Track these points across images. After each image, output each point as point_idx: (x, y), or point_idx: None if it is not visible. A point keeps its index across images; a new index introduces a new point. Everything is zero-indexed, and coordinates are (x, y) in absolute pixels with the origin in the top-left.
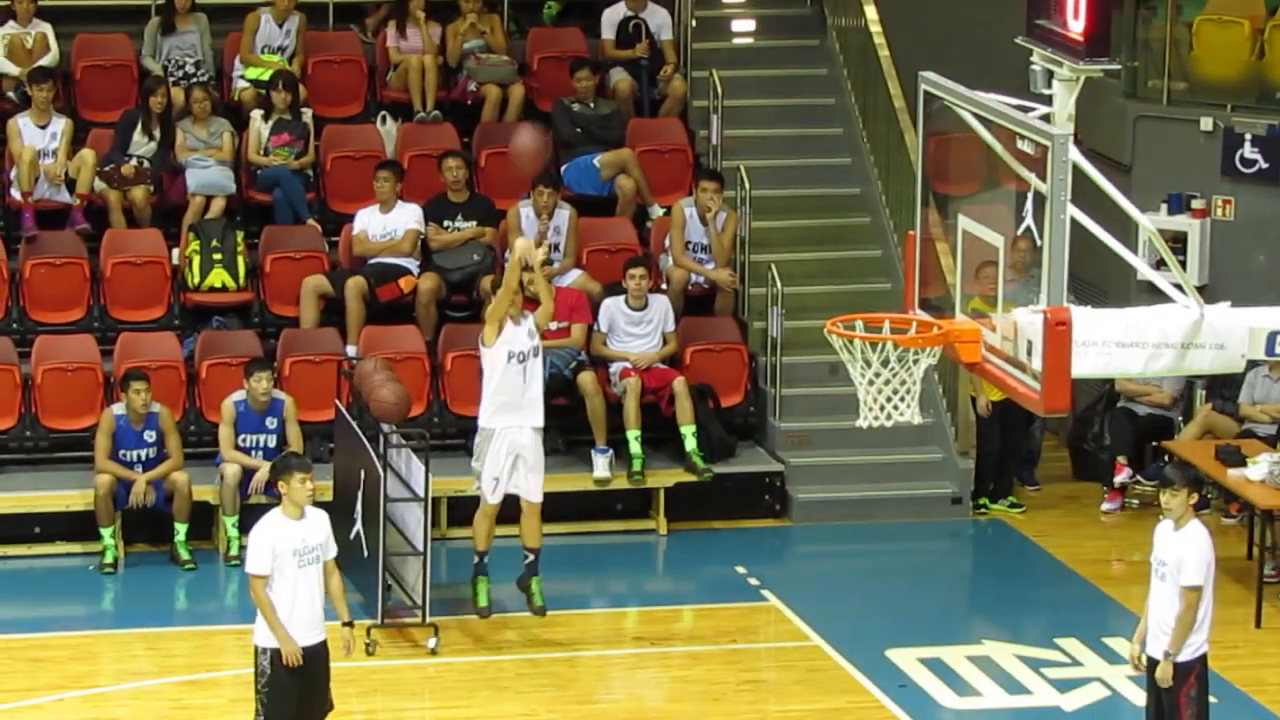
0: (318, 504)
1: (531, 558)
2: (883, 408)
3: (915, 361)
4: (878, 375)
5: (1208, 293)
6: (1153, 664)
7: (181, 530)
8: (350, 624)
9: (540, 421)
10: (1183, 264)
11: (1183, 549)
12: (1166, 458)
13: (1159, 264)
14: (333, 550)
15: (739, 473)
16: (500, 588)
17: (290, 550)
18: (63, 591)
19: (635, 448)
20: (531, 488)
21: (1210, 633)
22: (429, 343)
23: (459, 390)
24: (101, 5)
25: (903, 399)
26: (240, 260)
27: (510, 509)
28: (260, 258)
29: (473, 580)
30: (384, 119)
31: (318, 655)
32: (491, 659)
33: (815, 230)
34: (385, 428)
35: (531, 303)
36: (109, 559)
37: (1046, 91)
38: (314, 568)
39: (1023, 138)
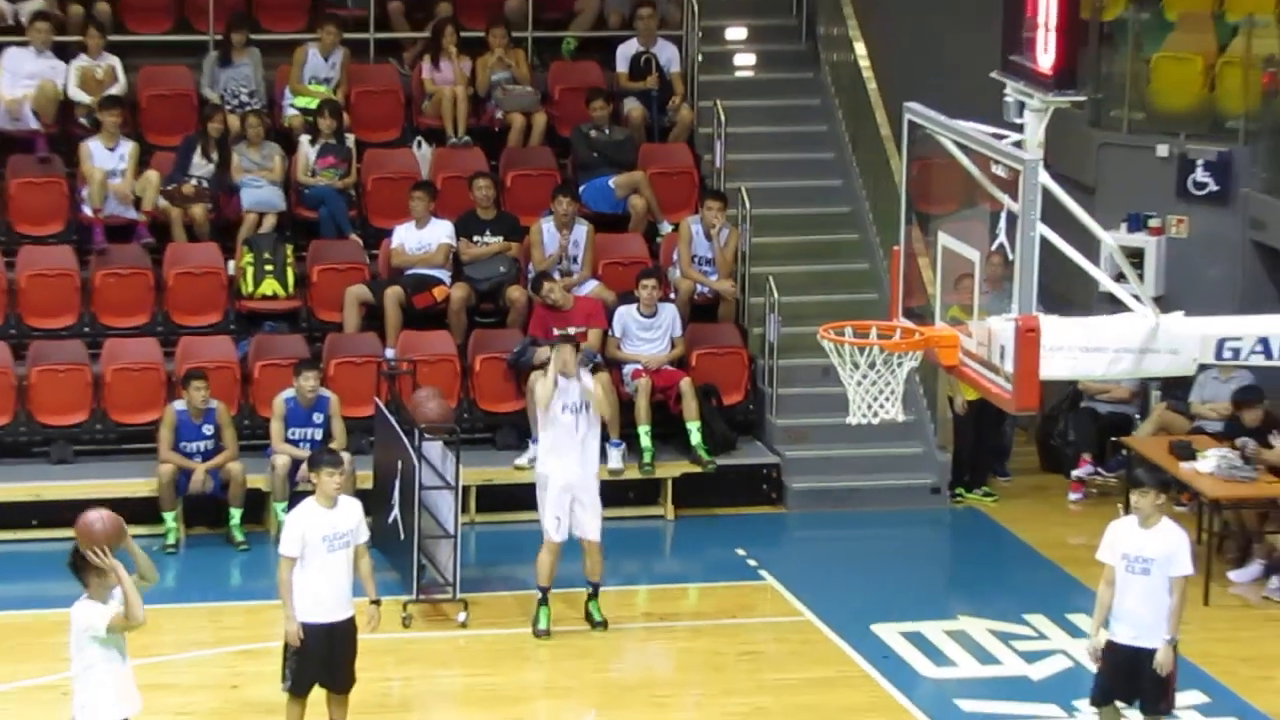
0: (358, 492)
1: (593, 590)
2: (869, 406)
3: (899, 364)
4: (865, 377)
5: (1163, 303)
6: (1131, 651)
7: (236, 515)
8: (377, 602)
9: (594, 467)
10: (1141, 277)
11: (1169, 544)
12: (1124, 452)
13: (1119, 277)
14: (364, 535)
15: (739, 464)
16: (526, 568)
17: (320, 536)
18: (129, 569)
19: (646, 441)
20: (591, 528)
21: None
22: (460, 346)
23: (486, 389)
24: (165, 40)
25: (888, 399)
26: (289, 271)
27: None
28: (308, 269)
29: (536, 607)
30: (419, 143)
31: (344, 631)
32: (515, 632)
33: (809, 245)
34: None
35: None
36: (171, 540)
37: (1019, 120)
38: (344, 552)
39: (997, 162)
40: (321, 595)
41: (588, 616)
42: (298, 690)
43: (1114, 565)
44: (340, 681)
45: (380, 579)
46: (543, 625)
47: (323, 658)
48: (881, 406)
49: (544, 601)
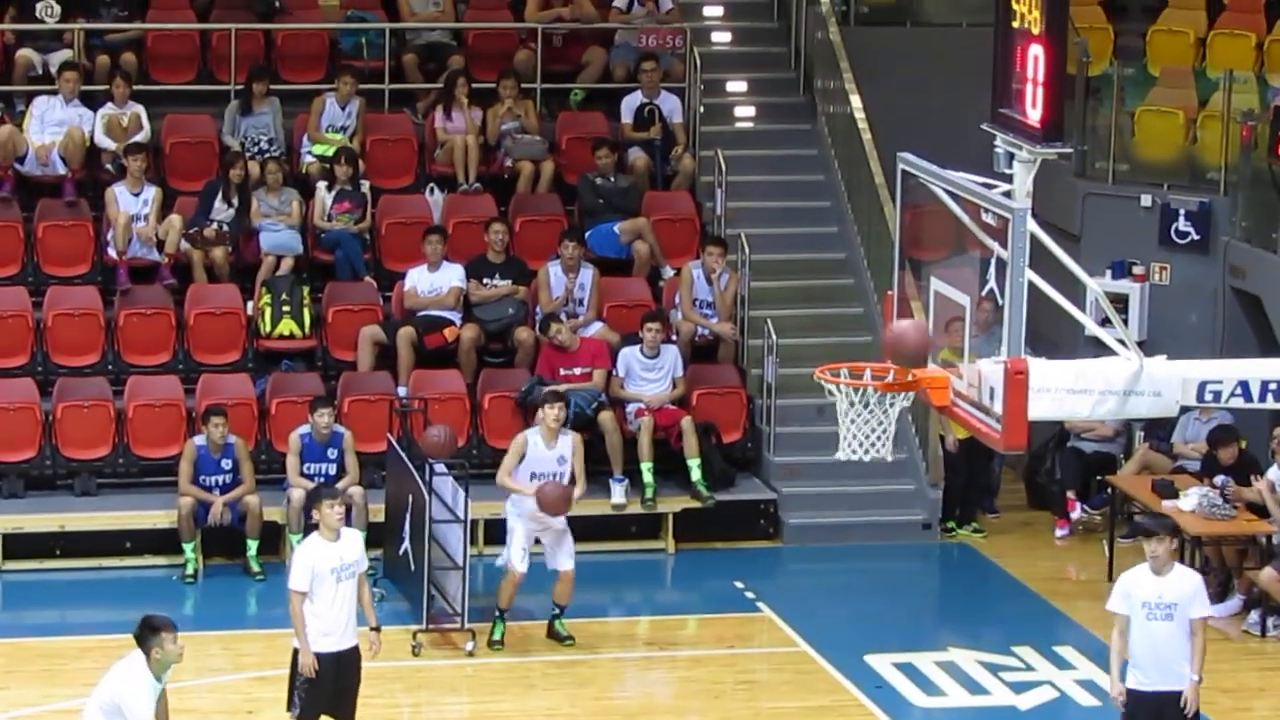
0: (370, 525)
1: (559, 610)
2: (861, 444)
3: (892, 404)
4: (859, 415)
5: (1146, 347)
6: (1155, 697)
7: (253, 546)
8: (377, 629)
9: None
10: (1125, 322)
11: (1188, 587)
12: (1109, 490)
13: (1104, 321)
14: (364, 565)
15: (738, 500)
16: (530, 598)
17: (329, 568)
18: (150, 598)
19: (648, 477)
20: (563, 557)
21: None
22: (469, 385)
23: (495, 426)
24: (188, 90)
25: (879, 438)
26: (306, 311)
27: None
28: (324, 309)
29: (493, 621)
30: (432, 190)
31: (350, 659)
32: (521, 660)
33: (806, 290)
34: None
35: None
36: (190, 570)
37: (1008, 171)
38: (350, 582)
39: (987, 210)
40: (331, 625)
41: (553, 633)
42: (307, 718)
43: (1127, 615)
44: (347, 709)
45: (391, 608)
46: (497, 636)
47: (331, 686)
48: (874, 445)
49: (500, 618)
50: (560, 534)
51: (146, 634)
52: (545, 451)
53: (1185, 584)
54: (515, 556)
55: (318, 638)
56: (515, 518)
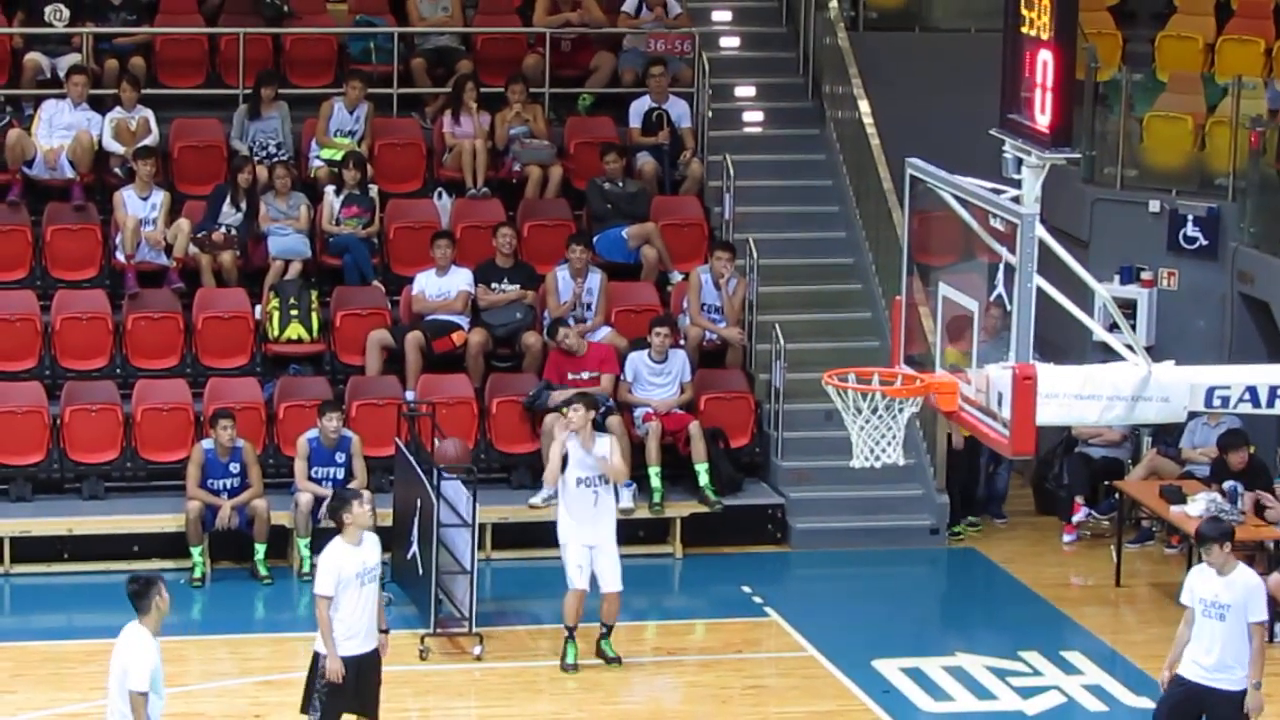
0: (378, 529)
1: (606, 630)
2: (872, 450)
3: (900, 410)
4: (868, 421)
5: (1154, 353)
6: (1197, 687)
7: (260, 550)
8: (386, 630)
9: (612, 524)
10: (1133, 327)
11: (1245, 590)
12: (1117, 495)
13: (1112, 327)
14: (380, 569)
15: (745, 505)
16: (540, 603)
17: (353, 573)
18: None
19: (656, 482)
20: (611, 580)
21: None
22: (477, 389)
23: (502, 431)
24: (196, 94)
25: (889, 443)
26: (314, 316)
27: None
28: (331, 314)
29: (564, 643)
30: (440, 194)
31: (371, 661)
32: (529, 665)
33: (814, 295)
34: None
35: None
36: (198, 574)
37: (1016, 176)
38: (372, 585)
39: (995, 216)
40: (354, 629)
41: (600, 654)
42: None
43: (1193, 608)
44: (373, 708)
45: (399, 613)
46: (570, 660)
47: (351, 690)
48: (884, 451)
49: (571, 639)
50: (609, 554)
51: (146, 589)
52: (584, 455)
53: (1242, 586)
54: (573, 575)
55: (342, 641)
56: (565, 534)
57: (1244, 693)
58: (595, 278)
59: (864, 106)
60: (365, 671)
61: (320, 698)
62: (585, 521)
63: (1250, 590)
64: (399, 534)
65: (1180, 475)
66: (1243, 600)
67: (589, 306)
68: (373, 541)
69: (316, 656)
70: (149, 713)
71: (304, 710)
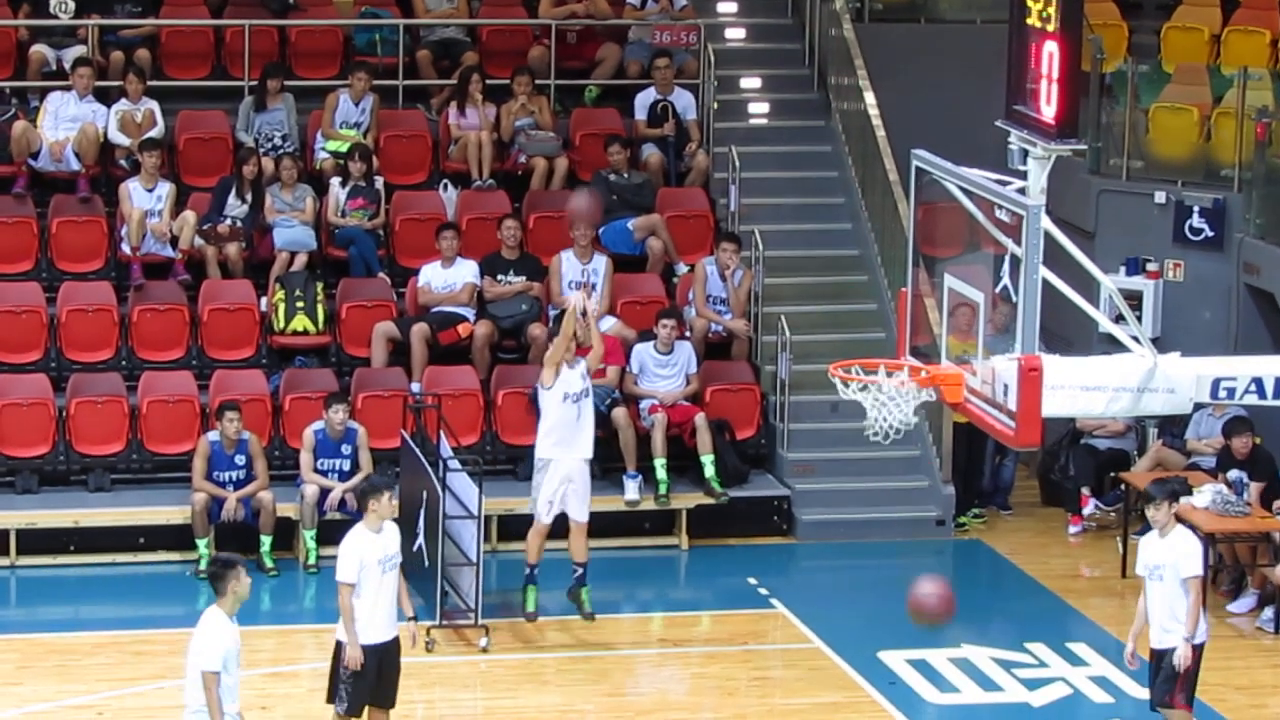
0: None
1: (580, 571)
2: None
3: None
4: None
5: (1160, 344)
6: (1157, 654)
7: (266, 542)
8: (414, 618)
9: (589, 453)
10: (1139, 319)
11: (1177, 549)
12: (1122, 487)
13: (1118, 318)
14: (400, 557)
15: (751, 496)
16: (545, 595)
17: (375, 560)
18: (163, 594)
19: (661, 474)
20: (579, 509)
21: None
22: (483, 381)
23: (508, 422)
24: (202, 86)
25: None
26: (320, 308)
27: (560, 526)
28: (337, 306)
29: (523, 588)
30: (445, 186)
31: (392, 650)
32: (535, 656)
33: (819, 287)
34: (445, 453)
35: (582, 349)
36: (204, 566)
37: (1022, 168)
38: (394, 573)
39: (1001, 208)
40: (376, 617)
41: (577, 603)
42: (353, 712)
43: (1144, 576)
44: (390, 697)
45: None
46: (531, 608)
47: (375, 678)
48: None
49: (532, 580)
50: (581, 484)
51: (223, 572)
52: (569, 371)
53: (1177, 546)
54: (541, 509)
55: (364, 629)
56: (544, 456)
57: (1201, 644)
58: (600, 259)
59: (869, 98)
60: (386, 660)
61: (345, 688)
62: (567, 442)
63: (1184, 550)
64: (405, 526)
65: (1186, 467)
66: (1175, 559)
67: (595, 286)
68: (393, 530)
69: (339, 645)
70: (220, 693)
71: (330, 700)
